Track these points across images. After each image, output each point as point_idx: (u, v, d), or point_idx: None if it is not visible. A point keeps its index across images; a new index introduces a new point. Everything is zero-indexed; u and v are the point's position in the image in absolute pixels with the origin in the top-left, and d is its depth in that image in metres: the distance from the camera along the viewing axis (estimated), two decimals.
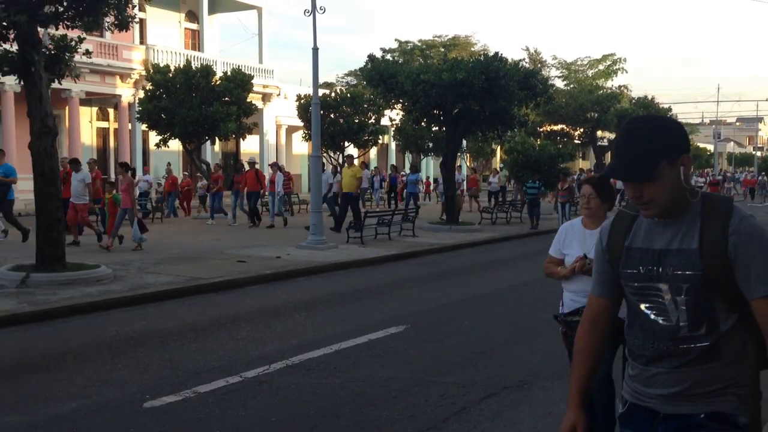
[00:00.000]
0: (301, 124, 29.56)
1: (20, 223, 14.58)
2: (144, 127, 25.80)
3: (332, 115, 28.08)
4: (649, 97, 34.36)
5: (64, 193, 12.67)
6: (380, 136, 30.77)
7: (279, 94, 35.75)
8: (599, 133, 34.14)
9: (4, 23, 9.83)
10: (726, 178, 42.54)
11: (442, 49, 48.03)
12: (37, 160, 10.43)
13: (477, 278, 11.87)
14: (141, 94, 25.61)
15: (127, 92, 29.48)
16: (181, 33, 34.57)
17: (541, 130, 32.50)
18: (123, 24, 10.75)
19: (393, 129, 32.02)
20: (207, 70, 23.51)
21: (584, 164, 51.32)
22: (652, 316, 2.21)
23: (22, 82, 10.58)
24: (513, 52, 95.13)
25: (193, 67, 23.52)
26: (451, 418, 5.17)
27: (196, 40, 35.01)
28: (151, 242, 15.38)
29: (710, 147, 67.09)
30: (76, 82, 16.26)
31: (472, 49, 48.87)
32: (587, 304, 2.46)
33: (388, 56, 29.06)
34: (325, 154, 27.39)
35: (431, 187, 36.81)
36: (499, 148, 40.66)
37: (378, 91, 20.73)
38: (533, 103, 20.83)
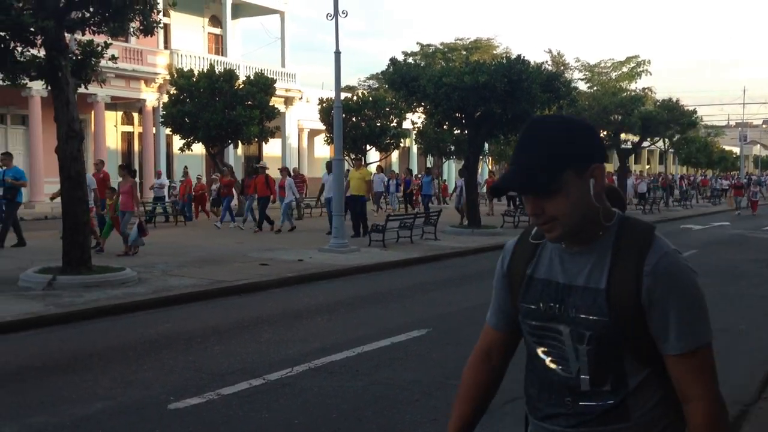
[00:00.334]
0: (323, 127, 29.66)
1: (20, 228, 14.59)
2: (168, 131, 26.06)
3: (354, 119, 28.14)
4: (674, 100, 34.02)
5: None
6: (402, 140, 30.77)
7: (301, 98, 35.93)
8: (623, 135, 33.79)
9: (32, 29, 9.98)
10: (751, 182, 42.00)
11: (464, 52, 47.96)
12: (63, 164, 10.57)
13: None
14: (165, 98, 25.88)
15: (152, 96, 29.81)
16: (204, 37, 34.90)
17: None
18: (148, 29, 10.87)
19: (415, 132, 32.00)
20: (230, 75, 23.70)
21: (608, 167, 50.89)
22: (550, 364, 1.81)
23: (49, 87, 10.74)
24: (535, 54, 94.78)
25: (217, 72, 23.72)
26: None
27: (219, 44, 35.31)
28: (174, 245, 15.53)
29: (736, 150, 66.25)
30: (102, 87, 16.51)
31: (494, 51, 48.72)
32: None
33: (410, 59, 29.04)
34: (347, 157, 27.46)
35: (448, 191, 36.68)
36: None
37: (400, 94, 20.76)
38: (556, 106, 20.71)
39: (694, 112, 35.30)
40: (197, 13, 33.93)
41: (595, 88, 38.71)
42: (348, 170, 21.26)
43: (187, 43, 32.90)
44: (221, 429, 4.98)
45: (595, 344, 1.73)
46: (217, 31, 35.30)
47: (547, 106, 20.03)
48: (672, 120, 33.18)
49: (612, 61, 42.75)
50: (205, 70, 24.02)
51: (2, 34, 10.14)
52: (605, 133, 32.71)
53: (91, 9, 10.50)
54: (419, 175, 32.90)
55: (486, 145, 28.82)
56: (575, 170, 1.69)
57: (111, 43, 11.27)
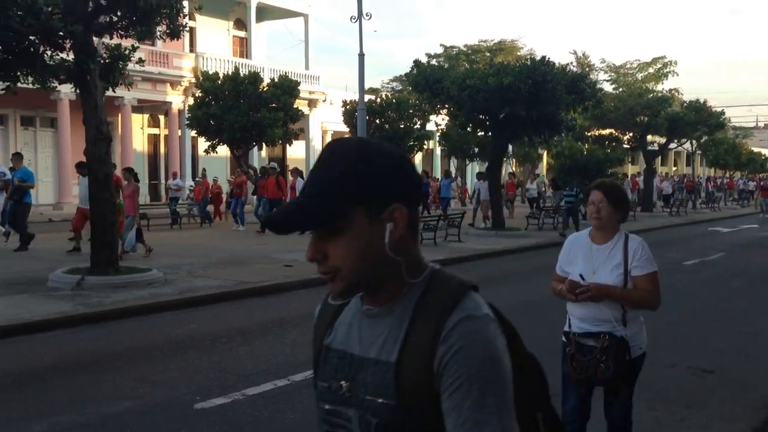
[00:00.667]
0: (347, 129, 29.75)
1: (28, 230, 14.38)
2: (193, 133, 26.30)
3: (377, 121, 28.18)
4: (701, 101, 33.61)
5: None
6: (425, 142, 30.75)
7: (325, 100, 36.07)
8: (649, 137, 33.44)
9: (61, 33, 10.14)
10: None
11: (488, 54, 47.80)
12: (92, 166, 10.74)
13: (524, 284, 11.76)
14: (191, 101, 26.12)
15: (177, 99, 30.11)
16: (229, 41, 35.17)
17: (589, 134, 32.05)
18: (174, 33, 10.99)
19: (438, 134, 31.97)
20: (255, 77, 23.85)
21: (633, 169, 50.45)
22: None
23: (77, 90, 10.91)
24: (560, 56, 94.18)
25: (241, 74, 23.89)
26: None
27: (244, 47, 35.57)
28: (198, 247, 15.67)
29: (765, 151, 65.29)
30: (129, 90, 16.68)
31: (519, 53, 48.49)
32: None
33: (434, 61, 29.03)
34: None
35: (468, 193, 36.51)
36: (545, 153, 40.29)
37: (423, 96, 20.76)
38: (581, 107, 20.58)
39: (722, 113, 34.83)
40: (222, 17, 34.20)
41: (620, 89, 38.36)
42: None
43: (212, 46, 33.18)
44: (246, 429, 5.02)
45: None
46: (242, 34, 35.56)
47: (572, 107, 19.92)
48: (699, 121, 32.78)
49: (638, 62, 42.37)
50: (230, 73, 24.20)
51: (32, 38, 10.32)
52: (630, 134, 32.40)
53: (119, 13, 10.65)
54: (437, 178, 32.82)
55: (510, 147, 28.71)
56: (367, 210, 1.33)
57: (138, 47, 11.42)
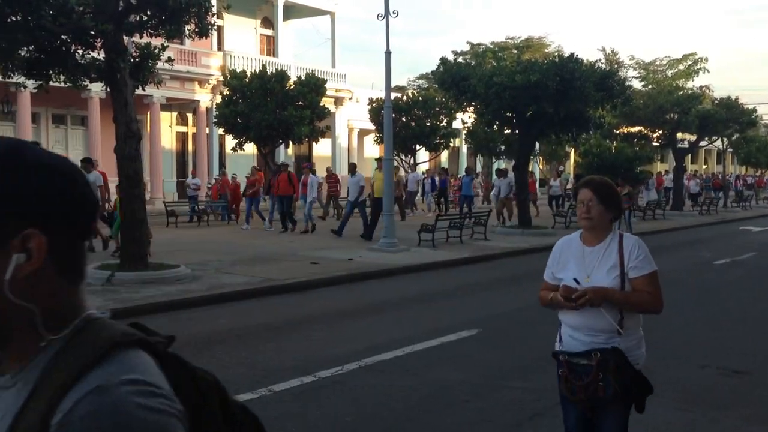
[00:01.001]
0: (373, 127, 29.80)
1: None
2: (221, 131, 26.50)
3: (404, 119, 28.19)
4: (733, 98, 33.05)
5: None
6: (452, 140, 30.69)
7: (351, 98, 36.14)
8: (679, 135, 32.97)
9: (92, 32, 10.29)
10: None
11: (515, 51, 47.51)
12: (121, 163, 10.87)
13: None
14: (218, 99, 26.32)
15: (205, 97, 30.37)
16: (256, 39, 35.39)
17: (618, 132, 31.72)
18: (203, 31, 11.09)
19: (465, 132, 31.87)
20: (282, 75, 23.97)
21: (663, 167, 49.83)
22: None
23: (108, 89, 11.05)
24: (589, 52, 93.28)
25: (269, 72, 24.02)
26: (524, 423, 5.12)
27: (271, 45, 35.77)
28: (226, 244, 15.80)
29: None
30: (158, 88, 16.87)
31: (546, 50, 48.14)
32: None
33: (461, 59, 28.94)
34: (396, 157, 27.51)
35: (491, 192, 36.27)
36: (573, 150, 39.95)
37: (450, 94, 20.70)
38: (610, 105, 20.38)
39: (754, 110, 34.23)
40: (250, 15, 34.42)
41: (650, 86, 37.89)
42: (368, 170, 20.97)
43: (239, 44, 33.41)
44: (274, 424, 5.05)
45: None
46: (269, 32, 35.76)
47: (601, 105, 19.73)
48: (731, 119, 32.25)
49: (668, 58, 41.79)
50: (257, 71, 24.34)
51: (64, 37, 10.48)
52: (660, 132, 32.00)
53: (149, 12, 10.77)
54: (460, 176, 32.63)
55: (537, 145, 28.52)
56: None
57: (167, 45, 11.54)
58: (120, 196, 13.95)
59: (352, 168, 19.10)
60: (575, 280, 3.28)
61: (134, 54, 11.18)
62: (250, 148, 26.52)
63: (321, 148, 34.82)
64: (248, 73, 24.37)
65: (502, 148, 30.11)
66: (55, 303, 1.02)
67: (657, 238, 20.38)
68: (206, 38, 12.07)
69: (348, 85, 35.97)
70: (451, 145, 32.60)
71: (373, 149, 38.44)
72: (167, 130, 31.12)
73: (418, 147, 29.29)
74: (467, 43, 50.98)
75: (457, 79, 19.43)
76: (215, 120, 25.48)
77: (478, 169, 40.49)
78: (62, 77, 11.08)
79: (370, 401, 5.56)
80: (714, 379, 6.37)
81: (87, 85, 11.60)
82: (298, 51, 39.51)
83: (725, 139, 38.16)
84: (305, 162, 23.51)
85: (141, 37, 11.31)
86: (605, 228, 3.37)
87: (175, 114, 31.69)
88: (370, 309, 9.38)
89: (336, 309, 9.39)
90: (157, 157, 28.63)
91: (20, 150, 1.01)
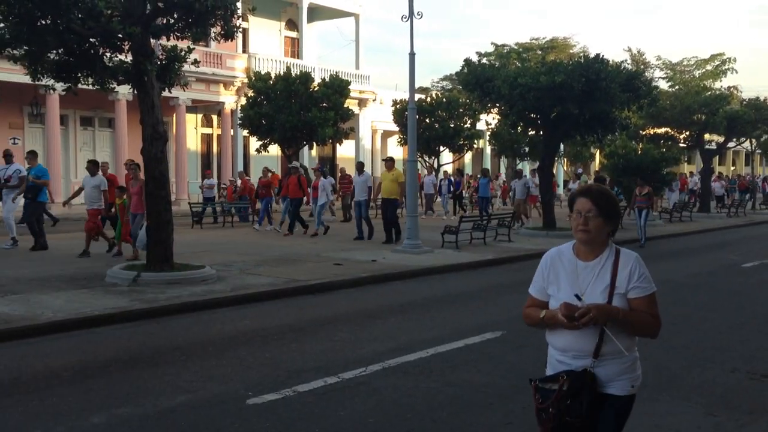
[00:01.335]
0: (397, 128, 29.80)
1: (43, 230, 14.17)
2: (245, 132, 26.69)
3: (427, 120, 28.16)
4: (762, 98, 32.56)
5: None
6: (475, 141, 30.58)
7: (375, 100, 36.19)
8: (707, 136, 32.55)
9: (120, 35, 10.41)
10: None
11: (540, 52, 47.26)
12: (148, 165, 10.98)
13: None
14: (243, 101, 26.52)
15: (230, 99, 30.59)
16: (281, 41, 35.59)
17: (644, 133, 31.40)
18: (229, 34, 11.16)
19: (488, 133, 31.75)
20: (306, 77, 24.08)
21: (690, 168, 49.24)
22: None
23: (135, 91, 11.17)
24: (614, 53, 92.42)
25: (293, 74, 24.15)
26: None
27: (295, 47, 35.95)
28: (249, 245, 15.89)
29: None
30: (183, 91, 17.04)
31: (571, 51, 47.83)
32: None
33: (485, 60, 28.84)
34: (420, 159, 27.48)
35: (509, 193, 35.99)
36: (598, 152, 39.60)
37: (474, 95, 20.63)
38: (636, 106, 20.18)
39: None
40: (274, 18, 34.63)
41: (677, 87, 37.47)
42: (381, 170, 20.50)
43: (264, 46, 33.63)
44: (298, 425, 5.07)
45: None
46: (294, 34, 35.93)
47: (627, 105, 19.54)
48: (760, 119, 31.78)
49: (695, 59, 41.31)
50: (281, 73, 24.49)
51: (92, 40, 10.62)
52: (687, 133, 31.64)
53: (176, 15, 10.87)
54: (478, 176, 32.41)
55: (561, 146, 28.32)
56: None
57: (193, 48, 11.64)
58: (114, 200, 13.88)
59: (360, 167, 18.69)
60: (576, 296, 3.00)
61: (161, 56, 11.29)
62: (275, 150, 26.66)
63: (345, 150, 34.90)
64: (273, 75, 24.52)
65: (527, 149, 29.96)
66: None
67: (684, 240, 20.13)
68: (231, 41, 12.15)
69: (372, 87, 36.03)
70: (475, 146, 32.51)
71: (396, 150, 38.42)
72: (192, 132, 31.41)
73: (441, 148, 29.24)
74: (491, 44, 50.85)
75: (481, 81, 19.37)
76: (240, 122, 25.68)
77: (502, 170, 40.33)
78: (90, 80, 11.21)
79: (394, 403, 5.55)
80: (743, 383, 6.27)
81: (114, 88, 11.73)
82: (322, 53, 39.69)
83: (754, 141, 37.60)
84: (317, 165, 23.43)
85: (168, 39, 11.42)
86: (602, 242, 3.06)
87: (200, 116, 31.97)
88: (393, 310, 9.38)
89: (360, 310, 9.40)
90: (183, 159, 28.90)
91: None
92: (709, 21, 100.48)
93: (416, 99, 18.29)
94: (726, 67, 39.18)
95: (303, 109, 23.30)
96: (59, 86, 11.54)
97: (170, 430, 4.97)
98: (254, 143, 26.79)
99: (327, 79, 24.84)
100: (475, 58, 21.19)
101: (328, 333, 7.95)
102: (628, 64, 20.88)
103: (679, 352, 7.22)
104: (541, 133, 21.45)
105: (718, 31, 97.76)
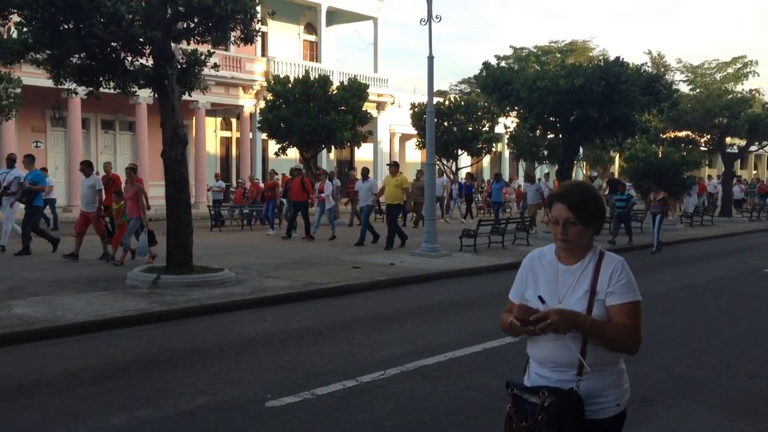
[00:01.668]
0: (415, 132, 29.79)
1: (48, 231, 14.02)
2: (264, 136, 26.80)
3: (446, 123, 28.13)
4: None
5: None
6: (494, 144, 30.51)
7: (393, 103, 36.22)
8: (728, 139, 32.22)
9: (141, 39, 10.50)
10: None
11: (559, 55, 47.06)
12: (168, 168, 11.06)
13: None
14: (262, 104, 26.64)
15: (249, 103, 30.76)
16: (300, 45, 35.74)
17: (664, 136, 31.15)
18: (248, 38, 11.22)
19: (507, 137, 31.65)
20: (324, 80, 24.15)
21: (711, 172, 48.76)
22: None
23: (155, 95, 11.26)
24: (634, 56, 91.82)
25: (312, 78, 24.22)
26: None
27: (314, 51, 36.08)
28: (267, 248, 15.94)
29: None
30: (203, 94, 17.16)
31: (590, 54, 47.57)
32: None
33: (503, 63, 28.78)
34: (438, 162, 27.43)
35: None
36: (617, 155, 39.34)
37: (493, 98, 20.60)
38: (656, 109, 20.03)
39: None
40: (293, 21, 34.78)
41: (698, 90, 37.14)
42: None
43: (283, 50, 33.78)
44: (317, 428, 5.08)
45: None
46: (312, 38, 36.07)
47: (647, 109, 19.41)
48: None
49: (716, 61, 40.92)
50: (300, 77, 24.58)
51: (114, 44, 10.72)
52: (708, 136, 31.34)
53: (196, 19, 10.95)
54: (489, 180, 32.18)
55: (580, 150, 28.16)
56: None
57: (213, 52, 11.71)
58: (108, 203, 13.58)
59: (365, 173, 18.41)
60: (540, 298, 2.76)
61: (181, 60, 11.37)
62: (293, 153, 26.75)
63: (363, 153, 34.95)
64: (291, 79, 24.62)
65: (545, 152, 29.83)
66: None
67: (706, 245, 19.93)
68: (251, 44, 12.22)
69: (390, 90, 36.07)
70: (494, 149, 32.41)
71: (414, 154, 38.44)
72: (212, 135, 31.62)
73: (460, 152, 29.19)
74: (510, 47, 50.63)
75: (500, 84, 19.34)
76: (258, 125, 25.78)
77: (520, 173, 40.17)
78: (112, 83, 11.31)
79: (412, 407, 5.55)
80: (763, 389, 6.20)
81: (135, 91, 11.83)
82: (341, 56, 39.79)
83: None
84: (322, 168, 23.41)
85: (188, 43, 11.50)
86: (585, 246, 2.80)
87: (219, 119, 32.17)
88: (411, 314, 9.37)
89: (378, 313, 9.40)
90: (202, 162, 29.10)
91: None
92: (731, 23, 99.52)
93: (434, 102, 18.28)
94: (748, 69, 38.74)
95: (321, 113, 23.37)
96: (81, 90, 11.66)
97: None
98: (273, 146, 26.90)
99: (345, 83, 24.89)
100: (494, 62, 21.15)
101: (346, 336, 7.96)
102: (648, 67, 20.72)
103: (698, 357, 7.14)
104: (560, 136, 21.35)
105: (740, 33, 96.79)
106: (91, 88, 11.31)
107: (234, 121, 32.42)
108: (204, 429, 5.02)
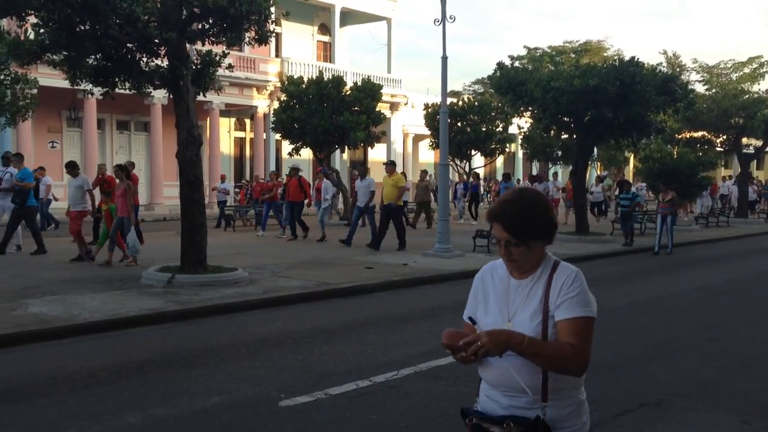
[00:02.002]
0: (428, 132, 29.78)
1: (41, 234, 13.97)
2: (278, 136, 26.90)
3: (459, 124, 28.11)
4: None
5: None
6: (507, 145, 30.45)
7: (406, 103, 36.23)
8: (744, 140, 31.97)
9: (156, 40, 10.58)
10: None
11: (573, 55, 46.89)
12: (183, 168, 11.13)
13: (608, 291, 11.46)
14: (275, 104, 26.73)
15: (263, 103, 30.87)
16: (313, 45, 35.83)
17: (680, 137, 30.96)
18: (263, 39, 11.27)
19: (521, 137, 31.57)
20: (338, 81, 24.19)
21: (726, 172, 48.40)
22: None
23: (170, 95, 11.34)
24: (650, 56, 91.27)
25: (325, 78, 24.27)
26: None
27: (327, 51, 36.15)
28: (280, 248, 15.96)
29: None
30: (218, 95, 17.23)
31: (605, 54, 47.34)
32: None
33: (517, 63, 28.68)
34: (452, 163, 27.41)
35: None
36: (632, 156, 39.12)
37: (506, 98, 20.52)
38: (672, 109, 19.90)
39: None
40: (307, 22, 34.86)
41: (714, 90, 36.89)
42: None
43: (297, 51, 33.87)
44: (330, 428, 5.09)
45: None
46: (326, 38, 36.15)
47: (662, 109, 19.29)
48: None
49: (732, 61, 40.61)
50: (314, 77, 24.63)
51: (130, 45, 10.81)
52: (724, 137, 31.11)
53: (211, 20, 11.01)
54: (493, 180, 32.07)
55: (595, 150, 28.03)
56: None
57: (228, 53, 11.77)
58: (102, 205, 13.37)
59: (362, 172, 18.18)
60: (470, 319, 2.52)
61: (196, 61, 11.44)
62: (307, 153, 26.81)
63: (376, 153, 34.99)
64: (305, 79, 24.67)
65: (559, 153, 29.72)
66: None
67: (721, 246, 19.78)
68: (265, 45, 12.26)
69: (403, 91, 36.09)
70: (507, 150, 32.33)
71: (428, 154, 38.45)
72: (226, 136, 31.76)
73: (473, 152, 29.15)
74: (524, 47, 50.54)
75: (513, 84, 19.28)
76: (272, 125, 25.86)
77: (534, 173, 40.04)
78: (127, 84, 11.40)
79: (426, 407, 5.55)
80: None
81: (150, 92, 11.91)
82: (355, 57, 39.82)
83: None
84: (321, 167, 23.29)
85: (203, 44, 11.57)
86: (535, 261, 2.50)
87: (233, 120, 32.31)
88: (425, 314, 9.37)
89: (391, 313, 9.41)
90: (216, 162, 29.24)
91: None
92: (735, 23, 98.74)
93: (448, 103, 18.26)
94: (764, 69, 38.39)
95: (335, 113, 23.41)
96: (97, 91, 11.76)
97: (204, 430, 5.02)
98: (286, 147, 26.99)
99: (359, 83, 24.92)
100: (507, 62, 21.09)
101: (359, 336, 7.97)
102: (663, 67, 20.62)
103: (714, 360, 7.10)
104: (575, 137, 21.26)
105: (744, 32, 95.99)
106: (107, 89, 11.40)
107: (248, 121, 32.55)
108: (218, 428, 5.05)
